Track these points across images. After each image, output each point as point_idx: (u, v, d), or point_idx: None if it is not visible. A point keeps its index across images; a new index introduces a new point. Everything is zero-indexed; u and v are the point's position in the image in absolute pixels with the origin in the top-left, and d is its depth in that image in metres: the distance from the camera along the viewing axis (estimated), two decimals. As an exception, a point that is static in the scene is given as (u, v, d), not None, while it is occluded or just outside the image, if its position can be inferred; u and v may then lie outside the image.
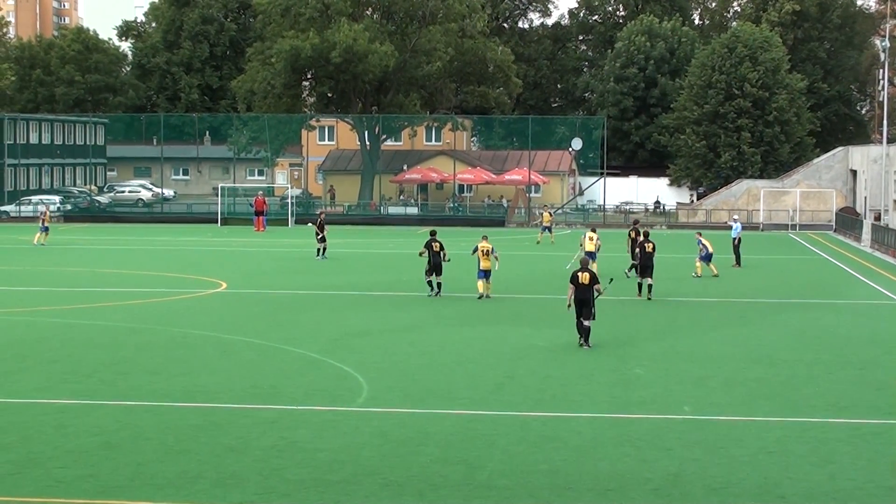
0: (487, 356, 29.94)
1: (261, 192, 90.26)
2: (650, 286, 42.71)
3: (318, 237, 58.23)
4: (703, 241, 50.94)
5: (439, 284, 42.78)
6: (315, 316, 37.67)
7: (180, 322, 35.87)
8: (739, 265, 55.16)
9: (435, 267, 42.67)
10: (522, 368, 28.30)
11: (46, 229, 67.15)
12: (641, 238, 44.26)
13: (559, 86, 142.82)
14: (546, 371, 27.92)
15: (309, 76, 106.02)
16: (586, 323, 31.34)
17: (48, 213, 71.00)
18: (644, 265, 42.81)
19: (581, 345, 31.44)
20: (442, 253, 42.57)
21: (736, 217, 62.75)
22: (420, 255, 43.49)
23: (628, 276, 45.90)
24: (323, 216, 61.85)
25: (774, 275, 53.21)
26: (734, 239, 56.24)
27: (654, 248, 43.05)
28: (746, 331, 35.13)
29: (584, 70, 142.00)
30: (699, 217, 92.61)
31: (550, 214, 74.75)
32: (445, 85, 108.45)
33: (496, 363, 28.95)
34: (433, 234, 43.87)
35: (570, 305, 31.64)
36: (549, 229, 71.86)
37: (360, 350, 30.72)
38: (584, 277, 31.42)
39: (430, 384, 26.22)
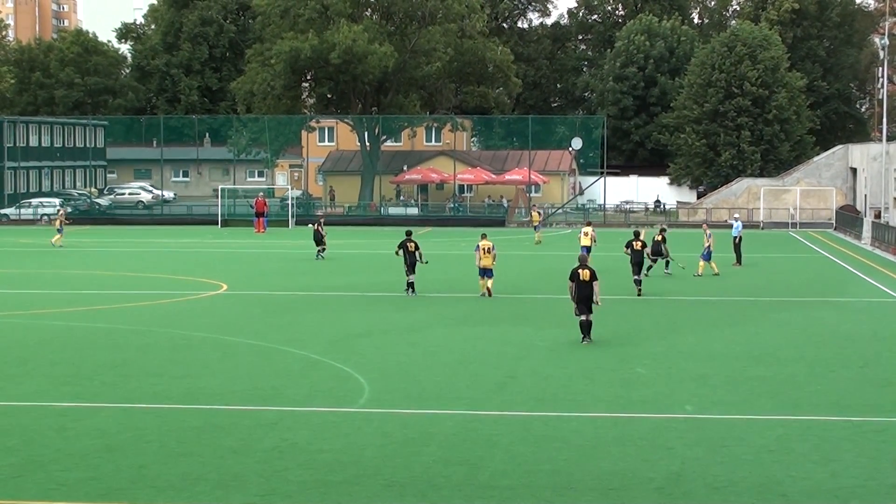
0: (489, 356, 29.93)
1: (261, 194, 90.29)
2: (640, 281, 44.22)
3: (320, 240, 58.45)
4: (711, 238, 51.08)
5: (412, 283, 43.47)
6: (316, 317, 37.66)
7: (181, 324, 35.86)
8: (740, 264, 55.14)
9: (410, 266, 43.36)
10: (524, 368, 28.29)
11: (61, 230, 67.74)
12: (632, 237, 45.57)
13: (559, 85, 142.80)
14: (547, 371, 27.91)
15: (308, 77, 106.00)
16: (588, 318, 31.87)
17: (64, 215, 71.59)
18: (634, 262, 44.41)
19: (583, 340, 31.91)
20: (417, 252, 43.30)
21: (737, 216, 62.73)
22: (396, 254, 44.13)
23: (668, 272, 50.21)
24: (322, 220, 61.99)
25: (775, 273, 53.21)
26: (735, 238, 56.22)
27: (643, 246, 44.79)
28: (747, 329, 35.11)
29: (584, 69, 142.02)
30: (700, 216, 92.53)
31: (539, 214, 75.09)
32: (445, 85, 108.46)
33: (497, 363, 28.93)
34: (409, 234, 44.61)
35: (573, 299, 32.08)
36: (538, 227, 72.43)
37: (361, 351, 30.71)
38: (585, 274, 31.92)
39: (431, 384, 26.21)
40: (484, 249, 42.56)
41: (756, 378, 26.99)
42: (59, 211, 75.53)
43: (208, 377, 26.99)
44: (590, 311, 31.98)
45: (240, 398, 24.60)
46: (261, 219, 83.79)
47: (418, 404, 24.13)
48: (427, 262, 44.40)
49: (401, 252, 43.54)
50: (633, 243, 44.65)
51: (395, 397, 24.83)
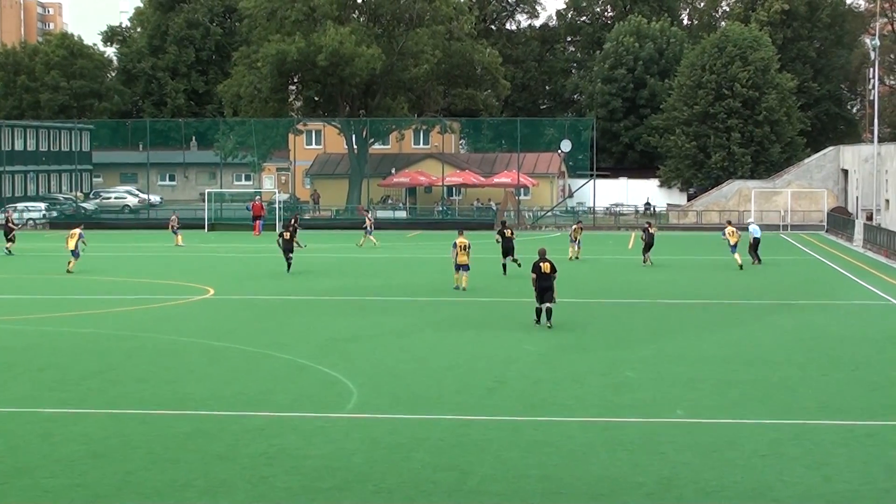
0: (478, 361, 29.91)
1: (258, 197, 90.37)
2: (514, 261, 50.49)
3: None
4: (737, 235, 56.18)
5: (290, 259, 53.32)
6: (304, 321, 37.63)
7: (168, 329, 35.80)
8: (760, 262, 57.39)
9: (287, 250, 53.29)
10: (513, 373, 28.27)
11: (177, 232, 73.00)
12: (501, 226, 54.39)
13: (547, 87, 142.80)
14: (537, 375, 27.90)
15: (295, 80, 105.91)
16: (549, 305, 35.18)
17: (177, 217, 75.92)
18: (505, 247, 51.36)
19: (537, 323, 35.42)
20: (294, 240, 53.86)
21: (751, 220, 64.98)
22: (278, 243, 54.20)
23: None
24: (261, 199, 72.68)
25: (766, 276, 53.21)
26: (753, 240, 58.28)
27: (512, 234, 52.73)
28: (739, 332, 35.14)
29: (573, 71, 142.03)
30: (690, 219, 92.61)
31: (370, 219, 74.55)
32: (433, 87, 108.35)
33: (487, 368, 28.91)
34: (286, 226, 57.26)
35: (533, 284, 35.62)
36: (367, 230, 71.92)
37: (349, 355, 30.68)
38: (546, 267, 35.39)
39: (420, 389, 26.19)
40: (461, 247, 45.33)
41: (747, 382, 27.00)
42: (172, 214, 77.42)
43: (195, 382, 26.95)
44: (551, 300, 35.17)
45: (227, 403, 24.56)
46: (258, 222, 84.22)
47: (407, 409, 24.11)
48: (305, 246, 56.76)
49: (280, 241, 53.76)
50: (504, 231, 52.45)
51: (383, 402, 24.80)
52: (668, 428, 22.40)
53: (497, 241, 52.79)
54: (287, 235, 53.95)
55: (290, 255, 53.43)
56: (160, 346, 32.45)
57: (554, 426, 22.60)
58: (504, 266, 51.32)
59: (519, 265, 49.87)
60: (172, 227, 74.47)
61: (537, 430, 22.22)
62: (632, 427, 22.49)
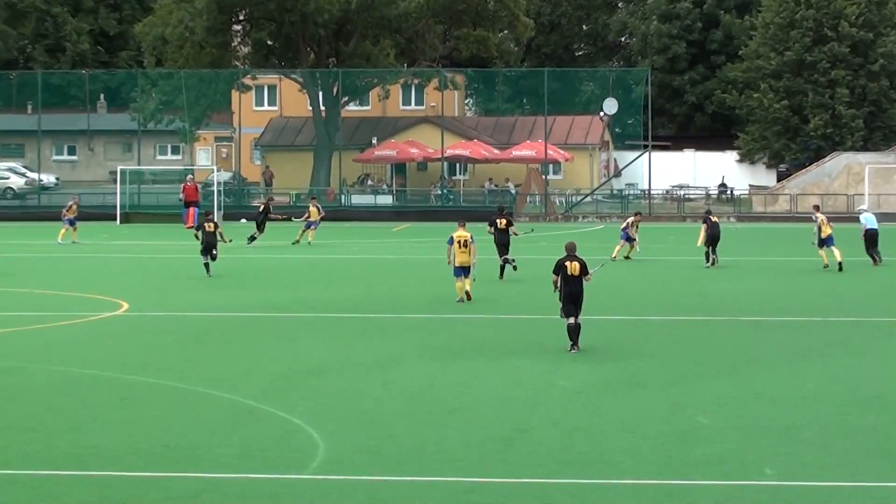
0: (491, 402, 29.79)
1: (190, 177, 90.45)
2: (507, 262, 52.83)
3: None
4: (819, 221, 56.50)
5: (214, 256, 54.94)
6: (252, 347, 37.55)
7: (65, 358, 35.70)
8: (880, 261, 58.54)
9: (209, 246, 54.56)
10: (539, 418, 28.15)
11: (72, 222, 73.20)
12: (496, 213, 56.11)
13: (585, 27, 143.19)
14: (572, 421, 27.75)
15: (241, 18, 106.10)
16: (576, 320, 34.94)
17: (76, 204, 75.48)
18: (499, 243, 53.43)
19: (572, 347, 34.99)
20: (218, 232, 55.22)
21: (864, 206, 65.12)
22: (196, 236, 56.36)
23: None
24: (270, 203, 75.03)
25: (886, 284, 53.15)
26: (869, 231, 59.16)
27: (507, 224, 54.17)
28: (849, 362, 35.04)
29: (619, 6, 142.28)
30: (781, 205, 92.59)
31: (318, 209, 74.43)
32: (429, 28, 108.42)
33: (503, 411, 28.78)
34: (208, 214, 62.14)
35: (556, 290, 35.37)
36: (313, 225, 72.06)
37: (313, 394, 30.60)
38: (574, 267, 34.83)
39: (411, 441, 26.04)
40: (460, 242, 44.94)
41: (861, 429, 26.86)
42: (71, 200, 77.24)
43: (102, 432, 26.78)
44: (579, 311, 34.90)
45: (146, 461, 24.39)
46: (192, 209, 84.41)
47: (393, 469, 23.95)
48: (231, 241, 58.91)
49: (199, 234, 55.36)
50: (497, 221, 53.82)
51: (360, 459, 24.64)
52: (753, 493, 22.28)
53: (489, 231, 54.04)
54: (211, 227, 55.02)
55: (215, 251, 54.68)
56: (54, 382, 32.37)
57: (596, 491, 22.48)
58: (504, 265, 52.81)
59: (514, 268, 52.56)
60: (64, 216, 73.88)
61: (573, 497, 22.11)
62: (704, 492, 22.37)
